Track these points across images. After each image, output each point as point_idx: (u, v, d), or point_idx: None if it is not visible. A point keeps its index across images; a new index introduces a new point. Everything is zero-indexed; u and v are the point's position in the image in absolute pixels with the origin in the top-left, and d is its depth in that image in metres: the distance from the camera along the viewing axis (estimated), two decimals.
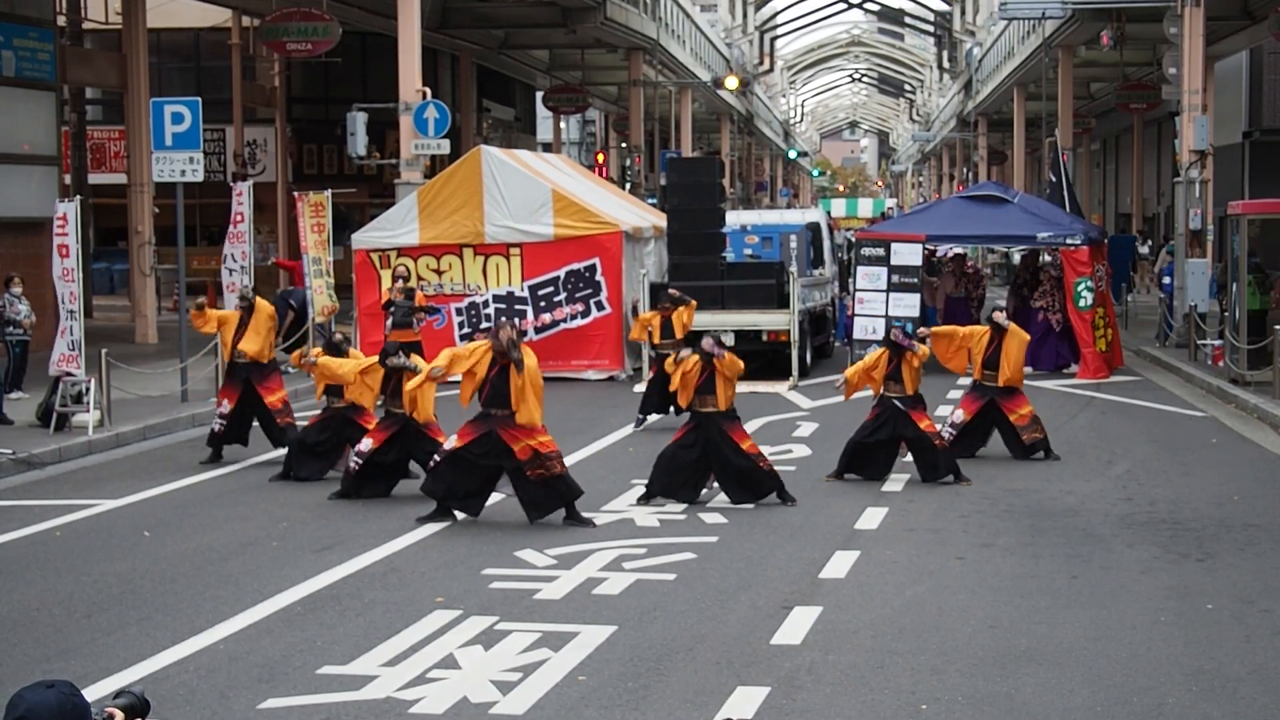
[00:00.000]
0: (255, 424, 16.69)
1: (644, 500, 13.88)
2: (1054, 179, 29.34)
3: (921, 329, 16.36)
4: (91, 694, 7.65)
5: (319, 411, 15.79)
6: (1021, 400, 16.38)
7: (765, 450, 16.63)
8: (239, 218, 23.17)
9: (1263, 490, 14.71)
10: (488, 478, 12.98)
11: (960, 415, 16.38)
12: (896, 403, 14.98)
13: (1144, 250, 46.20)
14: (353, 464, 14.27)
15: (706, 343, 13.71)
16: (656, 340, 19.40)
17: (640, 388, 22.64)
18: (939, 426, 16.48)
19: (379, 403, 14.87)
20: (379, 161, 33.29)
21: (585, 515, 13.00)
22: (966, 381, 17.22)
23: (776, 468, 15.59)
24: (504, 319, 13.05)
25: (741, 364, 13.82)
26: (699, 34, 66.03)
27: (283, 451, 16.24)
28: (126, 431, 18.36)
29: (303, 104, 45.54)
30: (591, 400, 21.98)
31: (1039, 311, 25.59)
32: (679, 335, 18.90)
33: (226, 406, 16.46)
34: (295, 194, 27.08)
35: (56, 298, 18.79)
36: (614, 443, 17.95)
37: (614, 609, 10.13)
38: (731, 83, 53.05)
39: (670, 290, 19.89)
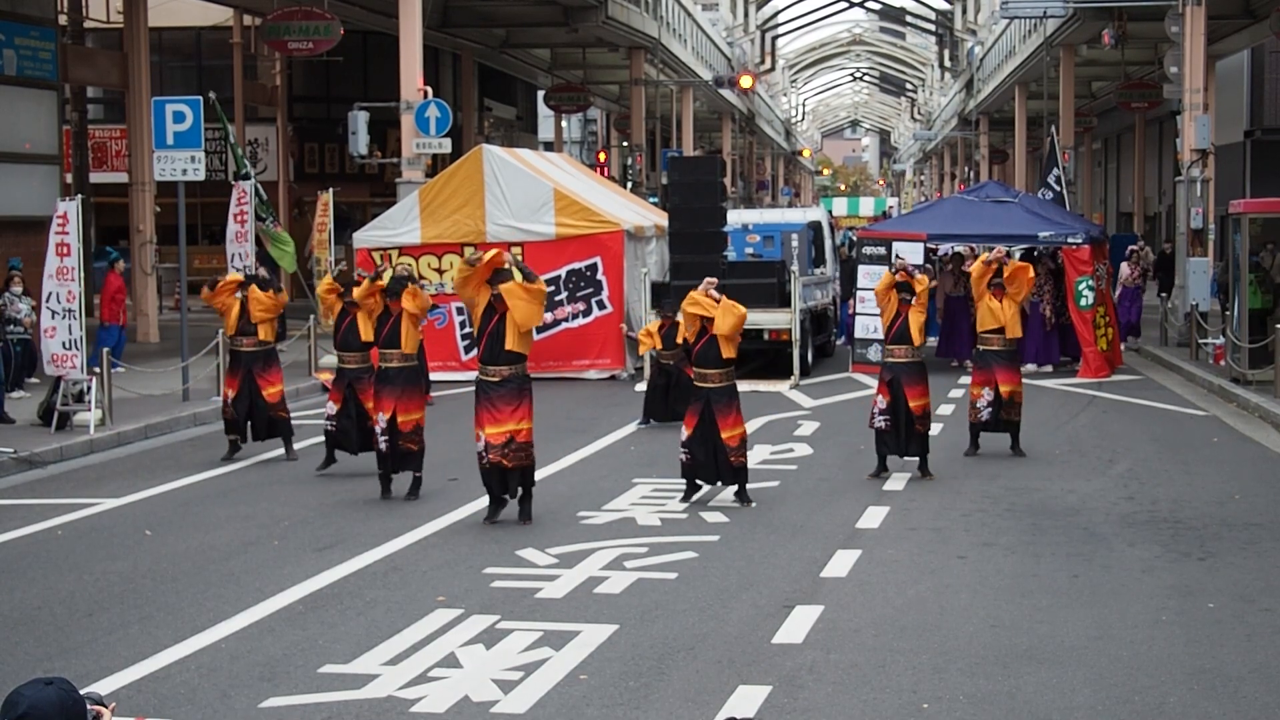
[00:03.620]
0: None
1: (686, 498, 13.89)
2: (1055, 181, 29.29)
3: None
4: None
5: (330, 388, 15.88)
6: (1013, 378, 16.45)
7: (766, 450, 16.67)
8: (240, 217, 23.19)
9: (1264, 489, 14.70)
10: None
11: (988, 393, 16.48)
12: (899, 376, 15.06)
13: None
14: (384, 445, 14.25)
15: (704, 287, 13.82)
16: (658, 347, 19.36)
17: (641, 386, 22.67)
18: (979, 411, 16.55)
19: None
20: (380, 160, 33.30)
21: (532, 512, 13.02)
22: (967, 380, 17.26)
23: (778, 467, 15.64)
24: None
25: (739, 311, 13.79)
26: (700, 33, 66.04)
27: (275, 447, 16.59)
28: (128, 430, 18.36)
29: (304, 103, 45.57)
30: (593, 399, 21.98)
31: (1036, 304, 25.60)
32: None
33: (231, 393, 16.66)
34: (319, 192, 27.11)
35: (42, 296, 18.73)
36: (615, 442, 17.94)
37: (615, 608, 10.13)
38: (746, 81, 52.80)
39: (662, 309, 19.88)
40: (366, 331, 15.06)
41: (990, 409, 16.51)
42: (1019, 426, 16.64)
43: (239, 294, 16.64)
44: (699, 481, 14.00)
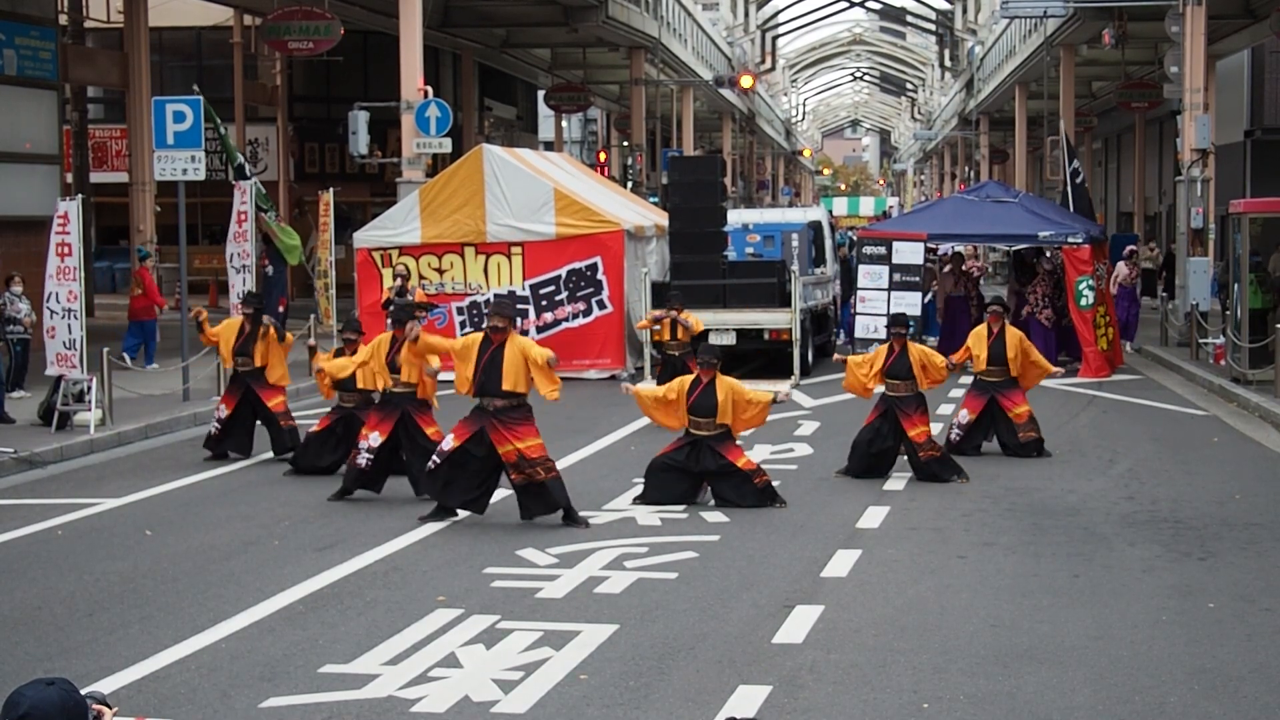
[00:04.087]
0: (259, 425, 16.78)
1: (638, 501, 13.85)
2: (1071, 175, 29.23)
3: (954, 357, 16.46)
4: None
5: (327, 411, 15.82)
6: (1020, 399, 16.47)
7: (766, 450, 16.68)
8: (241, 217, 23.19)
9: (1264, 489, 14.70)
10: (488, 475, 12.92)
11: (965, 415, 16.54)
12: (895, 406, 14.99)
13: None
14: (363, 461, 14.16)
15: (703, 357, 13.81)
16: (665, 338, 19.58)
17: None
18: (951, 427, 16.58)
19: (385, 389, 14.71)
20: (381, 160, 33.31)
21: (581, 515, 12.96)
22: (968, 380, 17.28)
23: (779, 467, 15.64)
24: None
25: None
26: (700, 33, 66.05)
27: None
28: (128, 430, 18.36)
29: (304, 102, 45.57)
30: (593, 399, 21.97)
31: (1030, 309, 25.60)
32: (681, 337, 19.24)
33: (224, 411, 16.53)
34: (319, 192, 27.14)
35: (43, 296, 18.77)
36: (615, 442, 17.94)
37: (615, 608, 10.13)
38: (746, 81, 52.74)
39: (670, 304, 19.92)
40: (364, 379, 14.74)
41: (960, 432, 16.51)
42: (1042, 443, 16.60)
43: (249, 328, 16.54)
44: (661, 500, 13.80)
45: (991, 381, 16.51)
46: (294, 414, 16.99)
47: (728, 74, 59.07)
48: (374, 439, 14.09)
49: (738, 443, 13.93)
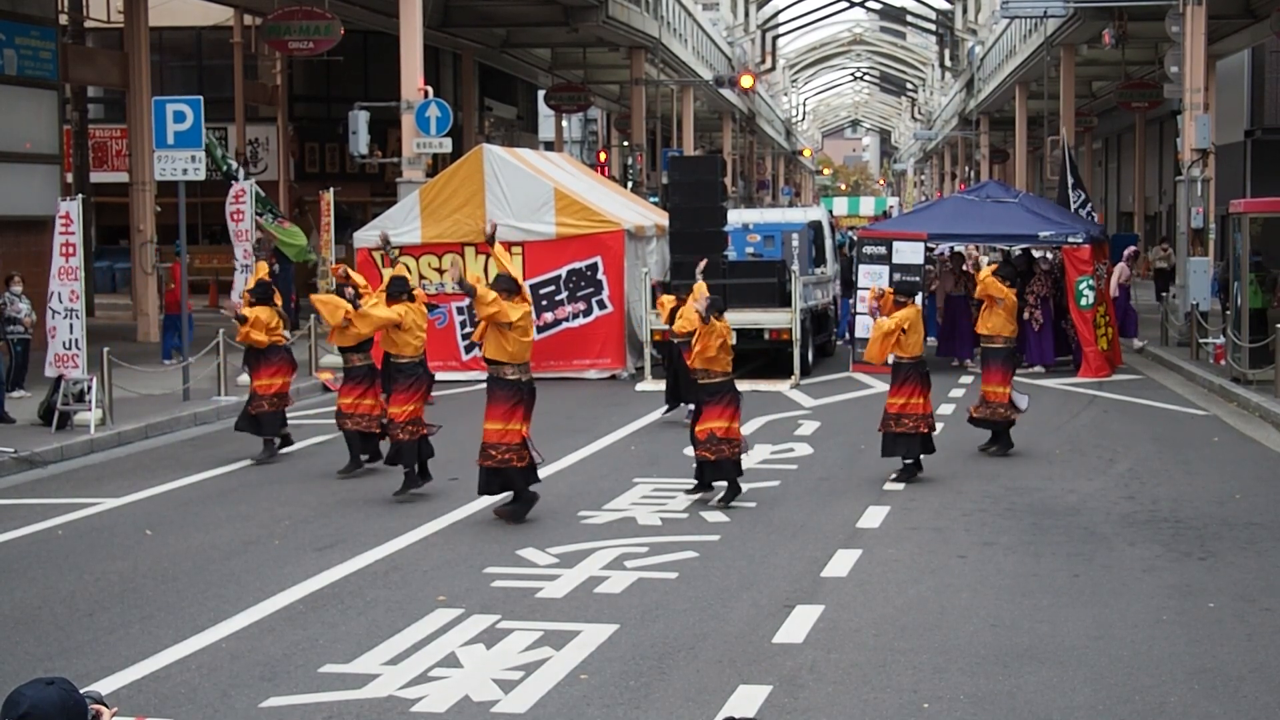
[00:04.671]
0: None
1: (722, 502, 13.84)
2: (1069, 177, 29.19)
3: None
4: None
5: (340, 385, 15.88)
6: (997, 376, 16.49)
7: (766, 449, 16.68)
8: (236, 216, 23.21)
9: (1265, 489, 14.70)
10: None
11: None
12: (901, 370, 15.14)
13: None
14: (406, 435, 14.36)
15: (701, 304, 13.86)
16: (665, 323, 19.51)
17: (642, 386, 22.73)
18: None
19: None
20: (381, 160, 33.29)
21: (525, 514, 13.04)
22: (968, 380, 17.33)
23: (779, 467, 15.64)
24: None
25: (721, 332, 13.80)
26: (701, 33, 66.05)
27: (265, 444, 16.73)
28: (128, 430, 18.36)
29: (305, 102, 45.56)
30: (593, 399, 21.98)
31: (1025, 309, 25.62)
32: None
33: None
34: (320, 192, 27.16)
35: (46, 296, 18.80)
36: (616, 441, 17.94)
37: (616, 608, 10.13)
38: (746, 81, 52.73)
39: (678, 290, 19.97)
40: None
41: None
42: (989, 426, 16.64)
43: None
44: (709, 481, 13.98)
45: (988, 348, 16.73)
46: (293, 416, 17.00)
47: (728, 74, 58.99)
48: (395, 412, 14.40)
49: (723, 404, 13.74)
